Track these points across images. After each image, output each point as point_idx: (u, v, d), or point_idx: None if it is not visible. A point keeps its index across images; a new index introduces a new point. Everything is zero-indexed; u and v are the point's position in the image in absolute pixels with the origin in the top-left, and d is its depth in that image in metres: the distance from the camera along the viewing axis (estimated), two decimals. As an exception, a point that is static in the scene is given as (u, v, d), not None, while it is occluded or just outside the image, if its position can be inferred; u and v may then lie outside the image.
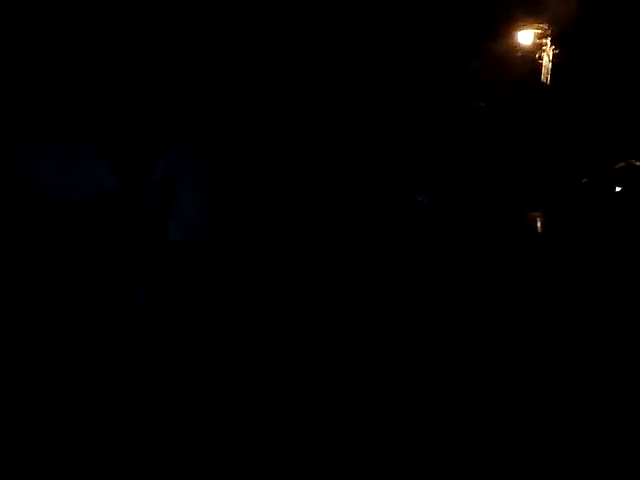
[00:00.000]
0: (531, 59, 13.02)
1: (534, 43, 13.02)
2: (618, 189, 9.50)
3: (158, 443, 2.66)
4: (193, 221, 3.58)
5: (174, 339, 3.37)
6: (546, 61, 13.14)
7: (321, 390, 3.28)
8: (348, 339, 4.22)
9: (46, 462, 2.52)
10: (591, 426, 2.83)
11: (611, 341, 4.07)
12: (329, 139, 9.74)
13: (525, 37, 12.88)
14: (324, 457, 2.56)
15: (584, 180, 10.75)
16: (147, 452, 2.59)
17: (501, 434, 2.78)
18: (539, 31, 12.95)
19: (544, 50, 13.10)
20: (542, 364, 3.69)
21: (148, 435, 2.72)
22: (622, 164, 10.00)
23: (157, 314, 3.31)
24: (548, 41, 12.98)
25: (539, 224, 10.57)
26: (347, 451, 2.62)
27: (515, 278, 6.44)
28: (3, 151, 3.07)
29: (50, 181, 3.17)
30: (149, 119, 3.25)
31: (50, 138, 3.12)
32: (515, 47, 12.99)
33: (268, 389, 3.24)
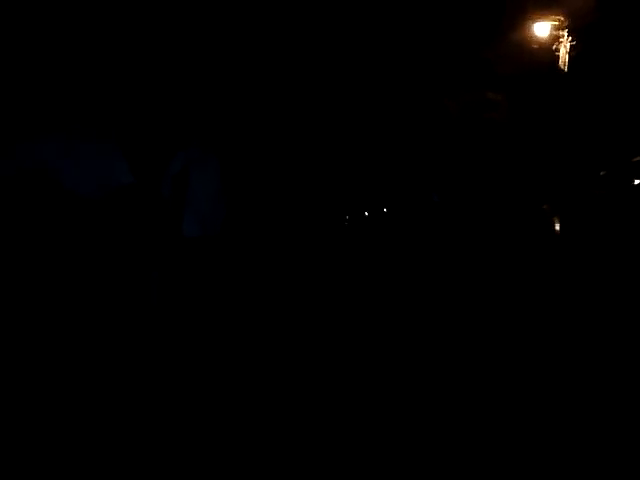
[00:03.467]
0: (548, 51, 12.90)
1: (551, 35, 12.89)
2: (637, 182, 9.41)
3: (169, 442, 2.67)
4: (210, 216, 3.57)
5: (189, 334, 3.37)
6: (563, 53, 13.01)
7: (329, 387, 3.28)
8: (356, 334, 4.24)
9: (55, 459, 2.54)
10: (592, 426, 2.81)
11: (626, 340, 4.04)
12: (342, 134, 9.74)
13: (542, 29, 12.76)
14: (324, 457, 2.57)
15: (602, 173, 10.65)
16: (158, 450, 2.61)
17: (502, 434, 2.78)
18: (556, 23, 12.82)
19: (561, 42, 12.97)
20: (557, 364, 3.66)
21: (158, 434, 2.73)
22: (640, 157, 9.90)
23: (173, 309, 3.31)
24: (565, 33, 12.85)
25: (556, 217, 10.49)
26: (347, 451, 2.62)
27: (531, 273, 6.39)
28: (21, 147, 3.09)
29: (67, 177, 3.18)
30: (167, 116, 3.24)
31: (67, 134, 3.13)
32: (531, 39, 12.88)
33: (282, 386, 3.25)
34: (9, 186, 2.99)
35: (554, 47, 13.07)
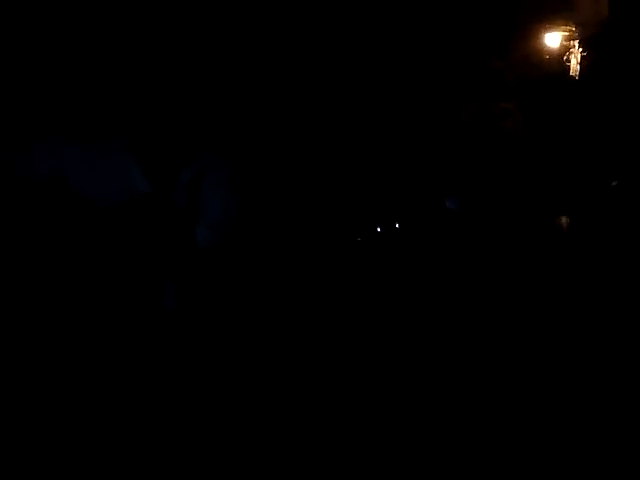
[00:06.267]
0: (559, 61, 12.86)
1: (561, 45, 12.86)
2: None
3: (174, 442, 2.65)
4: (223, 224, 3.57)
5: (204, 339, 3.37)
6: (574, 63, 12.97)
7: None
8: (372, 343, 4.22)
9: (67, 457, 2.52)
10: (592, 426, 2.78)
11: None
12: (356, 145, 9.73)
13: (552, 39, 12.74)
14: (324, 457, 2.56)
15: (614, 183, 10.59)
16: (170, 451, 2.59)
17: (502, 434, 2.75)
18: (566, 33, 12.79)
19: (572, 52, 12.94)
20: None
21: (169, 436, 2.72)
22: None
23: (188, 315, 3.32)
24: (576, 43, 12.82)
25: (568, 228, 10.45)
26: (347, 451, 2.61)
27: (545, 285, 6.35)
28: (37, 153, 3.10)
29: (83, 184, 3.19)
30: (180, 123, 3.25)
31: (84, 142, 3.14)
32: (542, 49, 12.85)
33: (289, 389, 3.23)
34: (24, 192, 3.00)
35: (565, 57, 13.05)
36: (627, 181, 10.29)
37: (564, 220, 10.96)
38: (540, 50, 12.80)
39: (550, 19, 12.52)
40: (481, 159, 11.61)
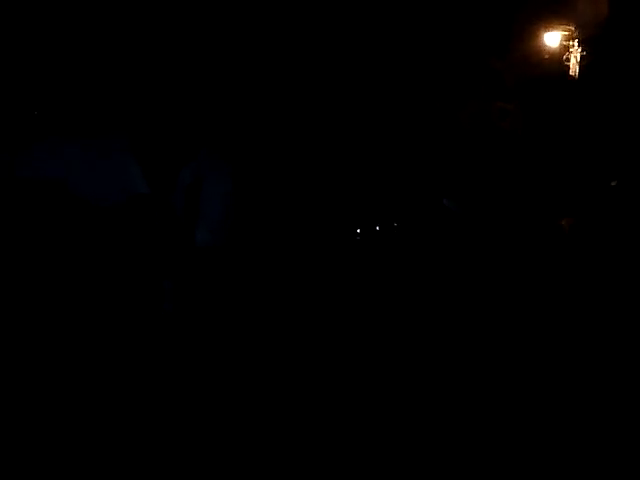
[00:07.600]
0: (558, 61, 12.87)
1: (561, 45, 12.88)
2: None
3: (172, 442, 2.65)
4: (223, 225, 3.55)
5: (204, 341, 3.36)
6: (573, 63, 12.98)
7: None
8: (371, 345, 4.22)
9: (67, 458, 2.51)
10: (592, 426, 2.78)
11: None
12: (356, 145, 9.75)
13: (552, 39, 12.75)
14: (324, 457, 2.55)
15: (613, 183, 10.59)
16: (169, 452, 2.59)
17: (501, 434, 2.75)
18: (566, 33, 12.80)
19: (571, 52, 12.95)
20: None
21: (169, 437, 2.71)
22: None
23: (187, 317, 3.31)
24: (575, 43, 12.83)
25: (568, 229, 10.44)
26: (347, 451, 2.61)
27: (546, 286, 6.34)
28: (37, 153, 3.08)
29: (83, 184, 3.17)
30: (180, 124, 3.23)
31: (83, 142, 3.12)
32: (542, 49, 12.86)
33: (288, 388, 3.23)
34: (24, 192, 2.99)
35: (564, 57, 13.06)
36: (627, 181, 10.30)
37: (563, 220, 10.96)
38: (540, 50, 12.80)
39: (550, 19, 12.52)
40: (480, 159, 11.61)
